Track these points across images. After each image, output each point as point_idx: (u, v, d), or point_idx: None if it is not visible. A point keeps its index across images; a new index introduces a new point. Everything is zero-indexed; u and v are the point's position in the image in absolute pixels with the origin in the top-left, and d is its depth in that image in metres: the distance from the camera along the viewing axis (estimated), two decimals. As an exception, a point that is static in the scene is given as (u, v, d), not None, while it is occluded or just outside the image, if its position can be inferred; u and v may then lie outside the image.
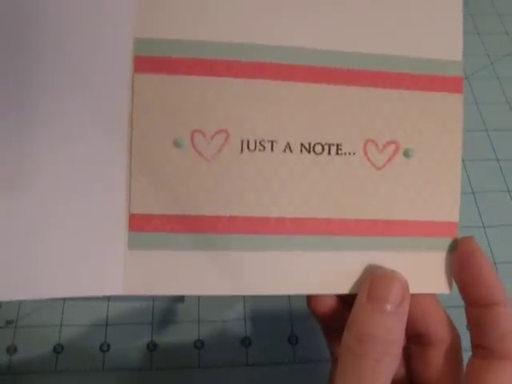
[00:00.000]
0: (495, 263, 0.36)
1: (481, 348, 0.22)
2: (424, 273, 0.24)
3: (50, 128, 0.22)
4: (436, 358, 0.24)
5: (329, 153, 0.23)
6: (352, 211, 0.23)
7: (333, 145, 0.23)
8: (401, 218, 0.24)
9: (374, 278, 0.22)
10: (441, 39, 0.24)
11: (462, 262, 0.23)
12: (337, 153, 0.23)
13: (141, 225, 0.22)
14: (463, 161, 0.41)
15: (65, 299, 0.34)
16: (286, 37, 0.23)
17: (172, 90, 0.22)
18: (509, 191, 0.40)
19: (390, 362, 0.21)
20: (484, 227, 0.38)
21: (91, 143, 0.22)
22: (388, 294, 0.22)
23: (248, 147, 0.23)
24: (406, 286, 0.22)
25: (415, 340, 0.25)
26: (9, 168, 0.22)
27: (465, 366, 0.23)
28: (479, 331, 0.23)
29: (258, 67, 0.23)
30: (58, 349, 0.32)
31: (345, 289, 0.23)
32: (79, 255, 0.22)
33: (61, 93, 0.22)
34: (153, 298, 0.34)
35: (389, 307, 0.21)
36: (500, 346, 0.22)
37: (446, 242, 0.24)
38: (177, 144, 0.22)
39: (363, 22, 0.23)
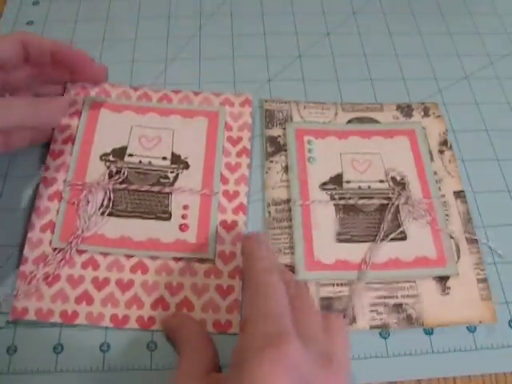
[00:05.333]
0: (495, 263, 0.36)
1: None
2: None
3: None
4: None
5: None
6: None
7: None
8: None
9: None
10: None
11: None
12: None
13: None
14: (463, 161, 0.41)
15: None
16: None
17: None
18: (509, 191, 0.40)
19: None
20: (484, 227, 0.38)
21: None
22: None
23: None
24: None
25: None
26: None
27: None
28: None
29: None
30: (58, 349, 0.32)
31: None
32: None
33: None
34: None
35: None
36: None
37: None
38: None
39: None
